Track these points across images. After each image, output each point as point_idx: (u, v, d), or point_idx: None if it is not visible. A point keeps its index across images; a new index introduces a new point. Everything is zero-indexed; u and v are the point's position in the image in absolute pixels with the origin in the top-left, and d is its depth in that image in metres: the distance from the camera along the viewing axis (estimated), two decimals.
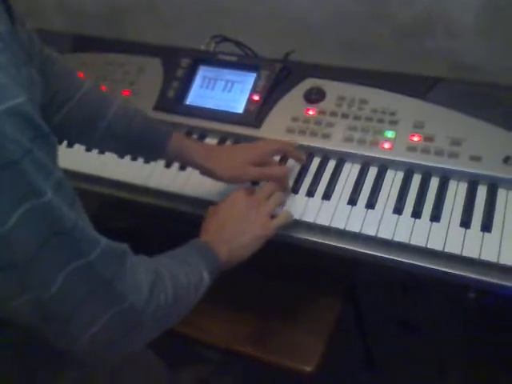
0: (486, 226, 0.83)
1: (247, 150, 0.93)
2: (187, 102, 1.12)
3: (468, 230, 0.84)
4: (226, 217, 0.83)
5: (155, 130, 0.90)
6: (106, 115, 0.86)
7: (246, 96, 1.08)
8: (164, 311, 0.63)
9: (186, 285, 0.68)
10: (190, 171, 1.01)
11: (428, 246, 0.83)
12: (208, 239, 0.79)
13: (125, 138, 0.87)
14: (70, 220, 0.51)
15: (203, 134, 1.09)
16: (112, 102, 0.89)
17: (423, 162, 0.93)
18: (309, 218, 0.90)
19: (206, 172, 0.90)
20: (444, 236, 0.83)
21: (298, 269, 1.19)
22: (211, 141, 1.08)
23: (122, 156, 1.06)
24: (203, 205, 0.92)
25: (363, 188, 0.93)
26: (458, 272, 0.81)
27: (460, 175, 0.91)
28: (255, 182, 0.97)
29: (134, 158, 1.07)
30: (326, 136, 1.00)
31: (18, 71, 0.49)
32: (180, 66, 1.14)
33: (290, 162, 1.00)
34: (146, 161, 1.05)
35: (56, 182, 0.50)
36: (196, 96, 1.12)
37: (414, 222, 0.86)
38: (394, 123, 0.98)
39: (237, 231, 0.81)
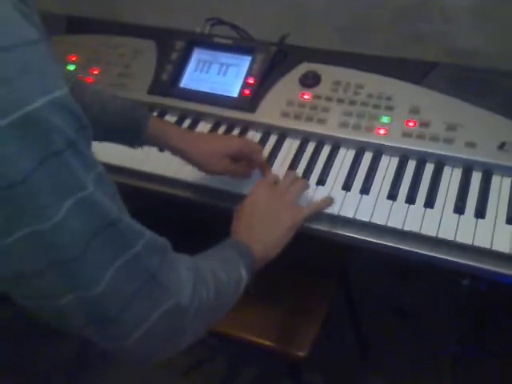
0: (480, 213, 0.83)
1: (226, 142, 0.91)
2: (181, 85, 1.11)
3: (462, 216, 0.84)
4: (253, 214, 0.81)
5: (131, 115, 0.88)
6: (81, 101, 0.84)
7: (241, 79, 1.07)
8: (207, 308, 0.61)
9: (226, 281, 0.66)
10: None
11: (422, 232, 0.83)
12: (240, 240, 0.77)
13: (98, 122, 0.85)
14: (114, 212, 0.50)
15: (197, 118, 1.08)
16: (86, 88, 0.87)
17: (418, 148, 0.92)
18: (303, 203, 0.90)
19: (182, 154, 0.89)
20: (438, 222, 0.83)
21: (291, 256, 1.19)
22: (205, 125, 1.07)
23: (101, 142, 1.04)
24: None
25: (358, 173, 0.93)
26: (451, 258, 0.81)
27: (455, 161, 0.91)
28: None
29: None
30: (321, 121, 0.99)
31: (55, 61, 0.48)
32: (174, 48, 1.12)
33: (284, 148, 0.99)
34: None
35: (97, 175, 0.49)
36: (190, 79, 1.11)
37: (408, 207, 0.86)
38: (389, 108, 0.98)
39: (267, 227, 0.80)
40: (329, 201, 0.88)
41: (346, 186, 0.91)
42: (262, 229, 0.80)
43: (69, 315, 0.51)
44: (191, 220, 1.21)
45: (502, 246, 0.79)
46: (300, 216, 0.84)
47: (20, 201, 0.43)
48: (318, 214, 0.88)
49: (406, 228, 0.84)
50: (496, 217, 0.83)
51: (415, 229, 0.83)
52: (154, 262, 0.54)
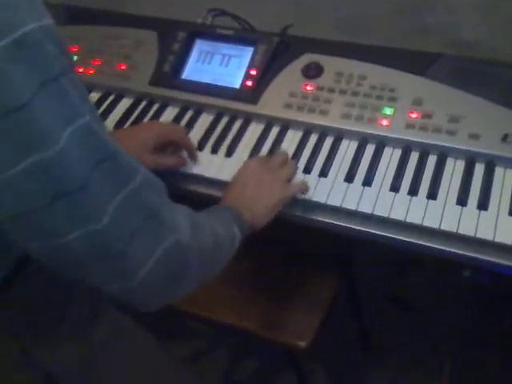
0: (483, 204, 0.83)
1: (144, 133, 0.92)
2: (183, 77, 1.10)
3: (464, 208, 0.84)
4: (244, 183, 0.84)
5: None
6: None
7: (243, 71, 1.06)
8: (207, 253, 0.63)
9: (223, 234, 0.68)
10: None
11: (424, 224, 0.83)
12: (229, 204, 0.79)
13: None
14: (111, 145, 0.51)
15: (199, 110, 1.08)
16: None
17: (421, 140, 0.92)
18: (306, 195, 0.90)
19: None
20: (440, 214, 0.83)
21: (294, 247, 1.19)
22: (207, 116, 1.06)
23: None
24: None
25: (360, 165, 0.93)
26: (453, 250, 0.81)
27: (458, 153, 0.90)
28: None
29: None
30: (324, 112, 0.99)
31: None
32: (176, 39, 1.12)
33: (287, 139, 0.99)
34: None
35: (91, 107, 0.50)
36: (192, 70, 1.10)
37: (411, 199, 0.86)
38: (392, 100, 0.97)
39: (256, 195, 0.82)
40: (305, 183, 0.90)
41: (349, 178, 0.91)
42: (252, 196, 0.82)
43: (75, 253, 0.51)
44: None
45: (504, 238, 0.79)
46: (290, 190, 0.86)
47: (25, 126, 0.44)
48: (321, 206, 0.88)
49: (409, 220, 0.83)
50: (499, 209, 0.83)
51: (418, 221, 0.83)
52: (154, 199, 0.55)
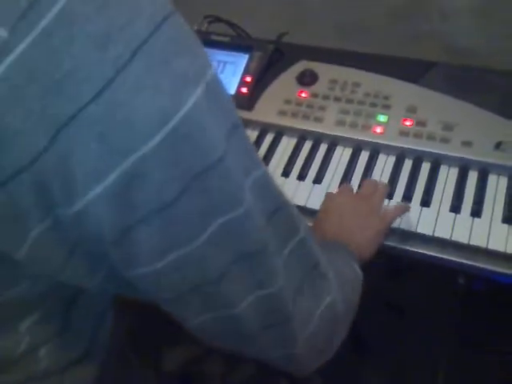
0: (476, 212, 0.83)
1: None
2: None
3: (458, 215, 0.84)
4: (340, 218, 0.76)
5: None
6: None
7: (238, 77, 1.07)
8: (349, 304, 0.57)
9: (353, 276, 0.63)
10: None
11: (418, 231, 0.83)
12: (330, 237, 0.72)
13: None
14: (281, 195, 0.45)
15: None
16: None
17: (415, 147, 0.92)
18: (300, 201, 0.90)
19: None
20: (434, 221, 0.84)
21: None
22: None
23: None
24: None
25: (355, 172, 0.93)
26: (447, 257, 0.81)
27: (451, 160, 0.91)
28: None
29: None
30: (318, 119, 0.99)
31: None
32: None
33: (281, 146, 0.99)
34: None
35: (258, 156, 0.45)
36: None
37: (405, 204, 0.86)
38: (386, 107, 0.98)
39: (357, 227, 0.75)
40: (403, 207, 0.84)
41: (343, 185, 0.91)
42: (353, 228, 0.74)
43: (244, 323, 0.45)
44: None
45: (498, 245, 0.79)
46: (387, 220, 0.79)
47: (220, 182, 0.37)
48: (315, 214, 0.88)
49: (403, 227, 0.84)
50: (492, 216, 0.83)
51: (411, 228, 0.83)
52: (315, 248, 0.49)
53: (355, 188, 0.88)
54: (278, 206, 0.44)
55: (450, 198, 0.86)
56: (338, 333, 0.55)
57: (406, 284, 1.54)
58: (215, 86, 0.37)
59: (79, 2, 0.31)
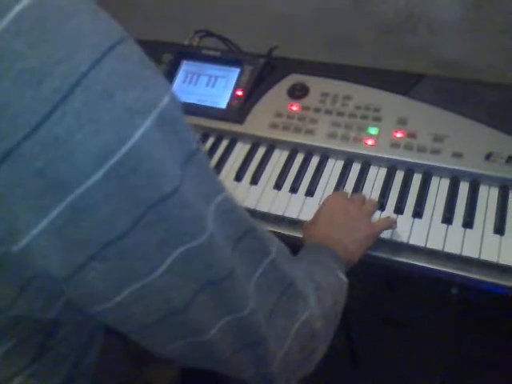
0: (468, 223, 0.84)
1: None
2: None
3: (450, 226, 0.84)
4: (330, 217, 0.77)
5: None
6: None
7: (230, 91, 1.07)
8: (329, 318, 0.56)
9: (336, 288, 0.62)
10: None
11: (410, 243, 0.83)
12: (319, 242, 0.72)
13: None
14: (249, 218, 0.44)
15: None
16: None
17: (406, 159, 0.93)
18: (292, 214, 0.90)
19: None
20: (426, 232, 0.84)
21: None
22: None
23: None
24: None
25: (346, 184, 0.93)
26: (440, 268, 0.81)
27: (442, 171, 0.91)
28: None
29: None
30: (310, 132, 0.99)
31: None
32: (162, 61, 1.12)
33: (273, 159, 1.00)
34: None
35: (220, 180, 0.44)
36: (179, 91, 1.11)
37: (397, 218, 0.87)
38: (377, 119, 0.98)
39: (345, 230, 0.75)
40: (392, 220, 0.84)
41: None
42: (341, 231, 0.75)
43: (217, 348, 0.45)
44: None
45: (490, 256, 0.79)
46: (378, 226, 0.80)
47: (176, 213, 0.36)
48: None
49: (395, 239, 0.84)
50: (484, 226, 0.83)
51: (404, 239, 0.83)
52: (287, 268, 0.49)
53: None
54: (247, 230, 0.44)
55: (442, 209, 0.86)
56: (317, 348, 0.55)
57: (401, 296, 1.54)
58: (170, 115, 0.36)
59: (11, 38, 0.30)
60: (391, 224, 0.83)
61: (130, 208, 0.34)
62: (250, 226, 0.44)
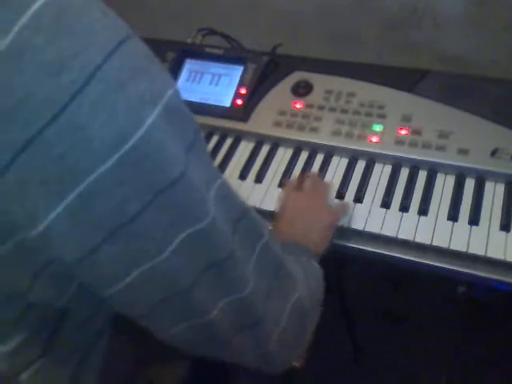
0: (474, 220, 0.83)
1: None
2: None
3: (456, 223, 0.84)
4: (293, 215, 0.79)
5: None
6: None
7: (233, 89, 1.07)
8: (314, 298, 0.59)
9: (315, 271, 0.66)
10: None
11: (416, 240, 0.82)
12: (286, 240, 0.73)
13: None
14: (243, 202, 0.47)
15: None
16: None
17: (411, 156, 0.92)
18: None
19: None
20: (432, 229, 0.83)
21: None
22: None
23: None
24: None
25: (351, 182, 0.93)
26: (446, 266, 0.81)
27: (448, 168, 0.91)
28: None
29: None
30: (314, 130, 0.99)
31: None
32: (166, 59, 1.12)
33: (277, 157, 0.99)
34: None
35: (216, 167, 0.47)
36: (182, 90, 1.10)
37: (402, 215, 0.86)
38: (381, 116, 0.98)
39: (309, 224, 0.78)
40: (346, 205, 0.87)
41: (340, 195, 0.91)
42: (306, 226, 0.77)
43: (218, 329, 0.47)
44: None
45: (496, 253, 0.79)
46: (336, 215, 0.83)
47: (184, 196, 0.39)
48: None
49: (401, 236, 0.83)
50: (490, 223, 0.83)
51: (409, 237, 0.83)
52: (278, 249, 0.52)
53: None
54: (242, 214, 0.47)
55: (448, 207, 0.86)
56: (308, 327, 0.57)
57: (407, 293, 1.53)
58: (174, 106, 0.39)
59: (30, 34, 0.32)
60: (346, 208, 0.86)
61: (141, 192, 0.36)
62: (245, 209, 0.47)
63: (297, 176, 0.92)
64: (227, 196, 0.45)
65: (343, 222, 0.86)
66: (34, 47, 0.32)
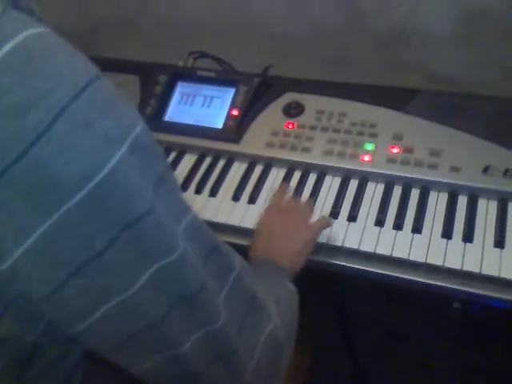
0: (468, 237, 0.83)
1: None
2: (166, 119, 1.11)
3: (450, 241, 0.84)
4: (270, 233, 0.80)
5: None
6: None
7: (225, 111, 1.07)
8: (290, 327, 0.60)
9: (289, 298, 0.66)
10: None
11: (410, 258, 0.82)
12: (263, 257, 0.76)
13: None
14: (214, 237, 0.48)
15: (183, 150, 1.08)
16: None
17: (403, 174, 0.93)
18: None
19: None
20: (426, 247, 0.83)
21: None
22: (191, 157, 1.07)
23: None
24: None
25: (344, 201, 0.93)
26: (440, 283, 0.81)
27: (440, 186, 0.91)
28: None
29: None
30: (306, 150, 0.99)
31: None
32: (158, 82, 1.13)
33: (271, 177, 0.99)
34: None
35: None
36: (175, 112, 1.11)
37: (396, 233, 0.86)
38: (373, 135, 0.98)
39: (286, 242, 0.78)
40: (327, 219, 0.87)
41: (334, 214, 0.91)
42: (283, 243, 0.78)
43: (191, 361, 0.47)
44: None
45: (491, 270, 0.79)
46: (315, 228, 0.83)
47: (147, 234, 0.39)
48: None
49: (395, 255, 0.83)
50: (484, 240, 0.83)
51: (404, 255, 0.83)
52: (250, 281, 0.52)
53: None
54: (213, 247, 0.47)
55: (441, 224, 0.86)
56: (282, 357, 0.57)
57: (403, 310, 1.52)
58: (142, 142, 0.39)
59: (0, 74, 0.33)
60: (327, 222, 0.85)
61: (108, 227, 0.37)
62: (216, 242, 0.48)
63: (276, 191, 0.93)
64: (197, 230, 0.45)
65: (337, 242, 0.86)
66: (2, 88, 0.33)
